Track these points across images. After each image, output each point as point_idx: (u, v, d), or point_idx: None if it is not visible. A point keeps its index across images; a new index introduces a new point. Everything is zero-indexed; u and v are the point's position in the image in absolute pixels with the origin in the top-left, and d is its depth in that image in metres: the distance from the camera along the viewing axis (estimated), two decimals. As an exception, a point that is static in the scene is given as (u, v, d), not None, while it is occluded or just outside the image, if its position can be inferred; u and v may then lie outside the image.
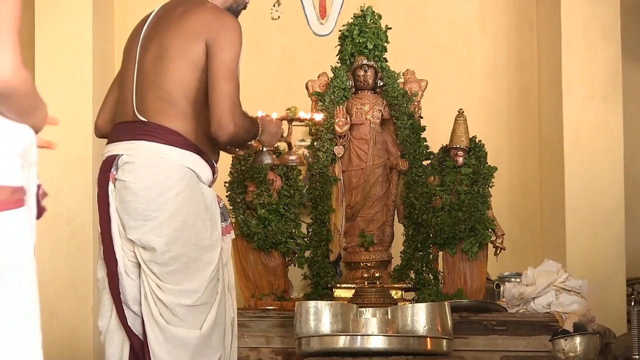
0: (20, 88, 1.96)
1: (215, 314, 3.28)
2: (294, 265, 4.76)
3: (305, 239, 4.74)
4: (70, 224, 5.26)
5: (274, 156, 3.64)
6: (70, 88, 5.31)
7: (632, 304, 4.00)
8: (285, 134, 3.60)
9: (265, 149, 3.50)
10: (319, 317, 3.92)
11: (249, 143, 3.46)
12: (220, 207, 3.36)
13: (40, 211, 2.08)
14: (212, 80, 3.21)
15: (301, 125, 4.70)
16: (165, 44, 3.27)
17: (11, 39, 1.94)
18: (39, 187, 2.07)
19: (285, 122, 3.60)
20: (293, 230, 4.71)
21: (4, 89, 1.94)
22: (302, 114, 3.87)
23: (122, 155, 3.22)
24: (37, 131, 2.07)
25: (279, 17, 5.95)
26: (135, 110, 3.25)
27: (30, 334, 1.97)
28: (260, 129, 3.38)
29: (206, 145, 3.28)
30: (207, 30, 3.24)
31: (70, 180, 5.22)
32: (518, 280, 4.64)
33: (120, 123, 3.31)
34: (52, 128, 2.21)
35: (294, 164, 3.90)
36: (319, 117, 3.99)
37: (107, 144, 3.32)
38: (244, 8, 3.55)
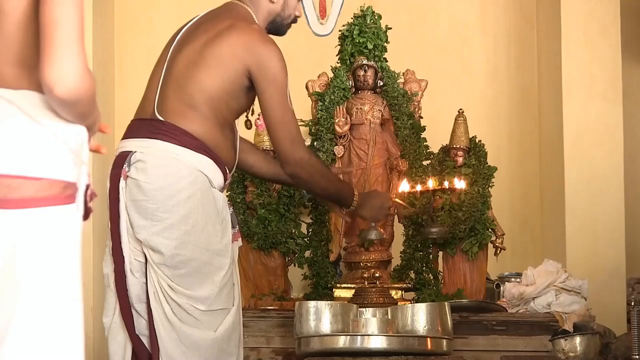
0: (84, 95, 1.96)
1: (233, 318, 3.28)
2: (294, 265, 4.76)
3: (305, 239, 4.74)
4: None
5: (381, 230, 3.67)
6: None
7: (632, 304, 4.00)
8: (421, 204, 3.67)
9: (372, 223, 3.59)
10: (319, 317, 3.92)
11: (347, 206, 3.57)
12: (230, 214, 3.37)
13: (87, 212, 2.07)
14: (266, 118, 3.36)
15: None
16: (203, 52, 3.28)
17: (76, 45, 1.94)
18: (87, 187, 2.06)
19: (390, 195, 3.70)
20: (293, 230, 4.70)
21: (70, 97, 1.94)
22: (430, 183, 3.90)
23: (135, 152, 3.22)
24: (90, 133, 2.06)
25: (279, 17, 5.95)
26: (156, 109, 3.26)
27: (72, 335, 1.98)
28: (355, 198, 3.49)
29: (221, 150, 3.28)
30: (251, 57, 3.27)
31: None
32: (518, 280, 4.64)
33: (138, 120, 3.32)
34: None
35: (434, 236, 3.94)
36: (461, 184, 3.98)
37: (122, 139, 3.32)
38: (294, 21, 3.56)
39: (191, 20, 3.45)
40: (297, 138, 3.37)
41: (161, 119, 3.24)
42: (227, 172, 3.35)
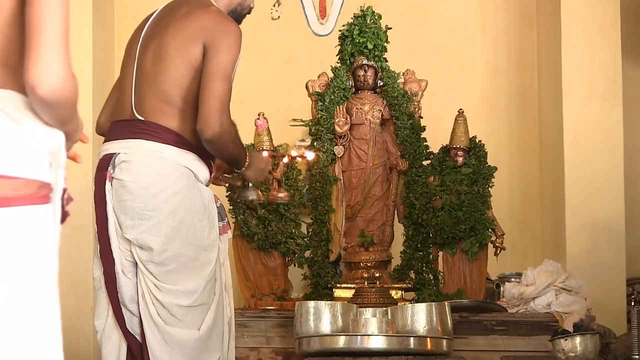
0: (67, 97, 1.96)
1: (214, 314, 3.27)
2: (294, 265, 4.76)
3: (305, 239, 4.74)
4: (70, 224, 5.21)
5: (259, 192, 3.63)
6: (70, 88, 5.29)
7: (632, 304, 4.00)
8: (274, 171, 3.64)
9: (250, 184, 3.53)
10: (319, 317, 3.92)
11: (234, 174, 3.47)
12: (217, 207, 3.36)
13: (64, 215, 2.07)
14: (204, 79, 3.19)
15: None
16: (164, 43, 3.27)
17: (60, 47, 1.94)
18: (64, 190, 2.05)
19: (271, 159, 3.63)
20: (293, 230, 4.71)
21: (52, 98, 1.94)
22: (293, 152, 3.91)
23: (119, 153, 3.21)
24: (69, 142, 2.06)
25: (279, 17, 5.95)
26: (134, 109, 3.25)
27: (48, 336, 1.97)
28: (247, 160, 3.41)
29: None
30: (206, 33, 3.24)
31: (69, 180, 5.15)
32: (518, 280, 4.64)
33: (118, 121, 3.31)
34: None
35: (281, 201, 3.92)
36: (310, 155, 3.99)
37: (104, 142, 3.31)
38: (249, 12, 3.55)
39: (152, 14, 3.43)
40: (226, 108, 3.22)
41: (141, 118, 3.23)
42: (212, 164, 3.34)
